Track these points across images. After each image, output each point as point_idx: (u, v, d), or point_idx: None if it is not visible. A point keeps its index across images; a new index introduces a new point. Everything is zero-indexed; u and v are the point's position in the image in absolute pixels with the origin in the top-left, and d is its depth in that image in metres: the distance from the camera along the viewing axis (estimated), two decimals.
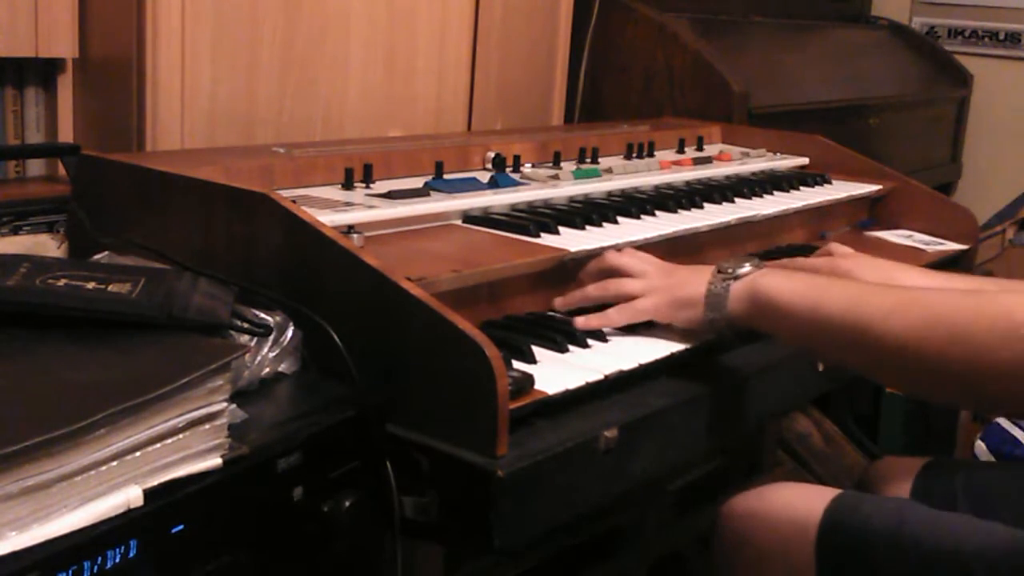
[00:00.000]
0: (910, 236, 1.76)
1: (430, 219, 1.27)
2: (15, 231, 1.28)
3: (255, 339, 0.95)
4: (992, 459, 2.20)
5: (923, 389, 1.07)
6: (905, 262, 1.55)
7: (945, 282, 1.21)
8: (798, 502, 1.16)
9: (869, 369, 1.06)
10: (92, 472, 0.71)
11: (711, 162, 1.79)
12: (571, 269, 1.23)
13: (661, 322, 1.15)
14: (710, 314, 1.10)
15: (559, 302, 1.19)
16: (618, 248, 1.25)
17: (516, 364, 1.00)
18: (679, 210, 1.47)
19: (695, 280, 1.12)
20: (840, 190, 1.76)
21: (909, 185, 1.83)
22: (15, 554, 0.65)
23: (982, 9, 3.11)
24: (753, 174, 1.79)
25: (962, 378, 0.95)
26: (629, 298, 1.15)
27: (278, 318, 0.98)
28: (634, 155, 1.75)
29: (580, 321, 1.13)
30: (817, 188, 1.76)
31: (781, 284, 1.06)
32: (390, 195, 1.28)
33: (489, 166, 1.54)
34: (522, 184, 1.46)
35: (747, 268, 1.10)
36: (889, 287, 1.07)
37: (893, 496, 1.27)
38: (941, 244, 1.73)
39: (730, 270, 1.10)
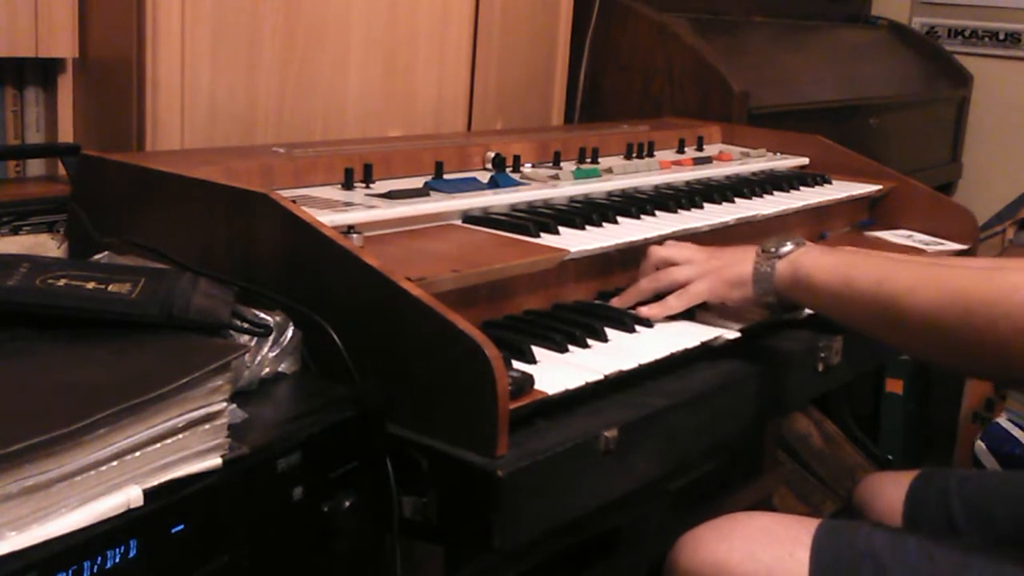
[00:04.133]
0: (910, 236, 1.76)
1: (430, 219, 1.27)
2: (15, 231, 1.28)
3: (255, 339, 0.95)
4: (992, 459, 2.20)
5: (951, 361, 1.08)
6: None
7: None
8: (766, 553, 1.08)
9: (899, 342, 1.09)
10: (92, 472, 0.71)
11: (711, 162, 1.79)
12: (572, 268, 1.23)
13: (715, 302, 1.20)
14: (760, 292, 1.16)
15: (616, 302, 1.24)
16: (661, 242, 1.28)
17: (516, 364, 1.00)
18: (679, 210, 1.47)
19: (741, 260, 1.18)
20: (840, 190, 1.76)
21: (909, 185, 1.83)
22: (15, 554, 0.65)
23: (982, 9, 3.11)
24: (753, 174, 1.79)
25: (982, 350, 0.97)
26: (681, 285, 1.20)
27: (278, 318, 0.98)
28: (634, 155, 1.75)
29: (644, 310, 1.19)
30: (817, 188, 1.76)
31: (816, 260, 1.13)
32: (390, 195, 1.28)
33: (489, 166, 1.54)
34: (522, 184, 1.45)
35: (789, 247, 1.16)
36: (914, 261, 1.10)
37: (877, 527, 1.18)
38: (941, 244, 1.73)
39: (773, 249, 1.16)
